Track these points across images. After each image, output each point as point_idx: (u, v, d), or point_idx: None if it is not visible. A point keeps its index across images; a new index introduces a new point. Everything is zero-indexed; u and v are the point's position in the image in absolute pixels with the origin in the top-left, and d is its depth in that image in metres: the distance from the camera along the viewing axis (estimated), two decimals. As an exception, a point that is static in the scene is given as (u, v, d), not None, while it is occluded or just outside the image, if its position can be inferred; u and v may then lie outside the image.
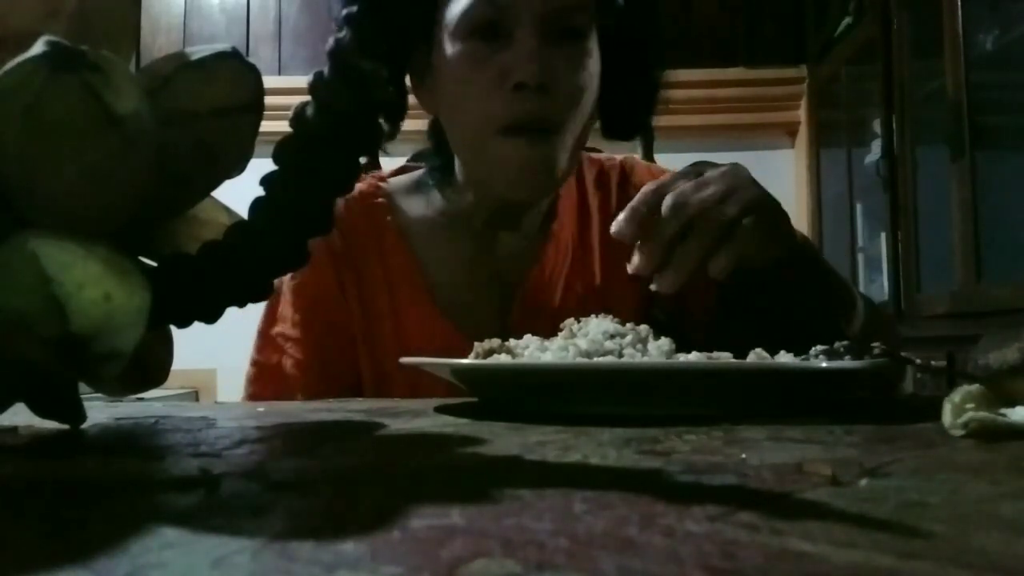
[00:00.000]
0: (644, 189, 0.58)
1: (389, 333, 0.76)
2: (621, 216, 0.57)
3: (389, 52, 0.71)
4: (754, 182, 0.61)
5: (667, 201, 0.56)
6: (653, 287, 0.57)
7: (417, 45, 0.73)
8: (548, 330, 0.53)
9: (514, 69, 0.66)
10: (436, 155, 0.82)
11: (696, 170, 0.60)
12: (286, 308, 0.77)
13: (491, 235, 0.79)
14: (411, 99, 0.78)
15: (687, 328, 0.77)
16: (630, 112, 0.79)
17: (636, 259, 0.57)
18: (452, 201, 0.80)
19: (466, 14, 0.68)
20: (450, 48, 0.70)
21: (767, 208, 0.60)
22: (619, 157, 0.88)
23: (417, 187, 0.83)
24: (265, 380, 0.77)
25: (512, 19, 0.67)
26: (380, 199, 0.81)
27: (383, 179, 0.84)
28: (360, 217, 0.79)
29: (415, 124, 0.90)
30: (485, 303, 0.78)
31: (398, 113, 0.77)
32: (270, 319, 0.78)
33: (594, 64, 0.71)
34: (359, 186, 0.81)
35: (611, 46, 0.73)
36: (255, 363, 0.78)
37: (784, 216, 0.63)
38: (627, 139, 0.81)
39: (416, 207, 0.81)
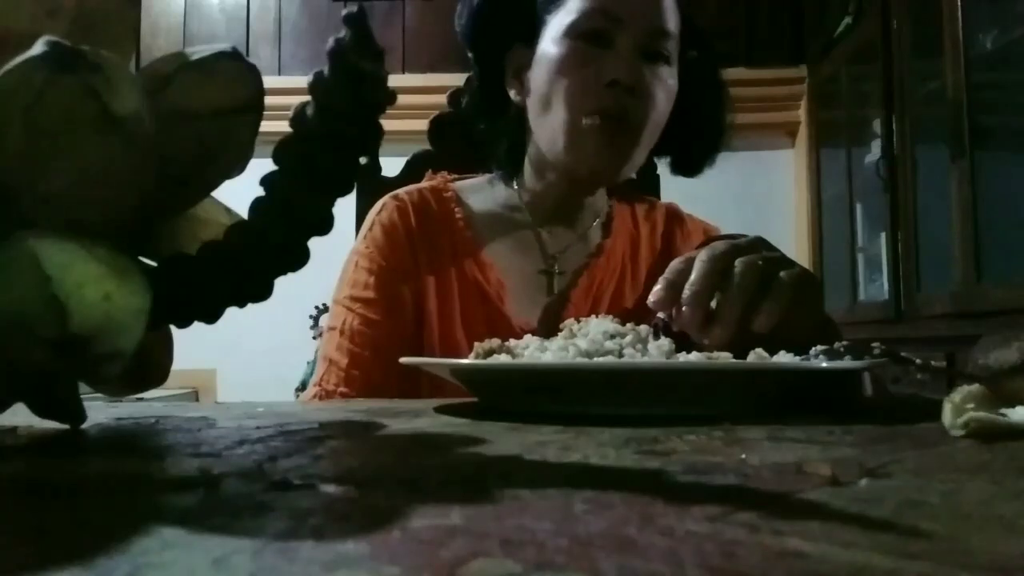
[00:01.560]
0: (672, 264, 0.61)
1: (451, 316, 0.83)
2: (657, 287, 0.60)
3: (490, 52, 0.88)
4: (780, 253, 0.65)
5: (700, 261, 0.59)
6: (705, 342, 0.59)
7: (518, 43, 0.86)
8: None
9: (611, 68, 0.78)
10: (508, 151, 0.91)
11: (721, 242, 0.63)
12: (359, 273, 0.84)
13: (547, 232, 0.88)
14: (413, 99, 0.82)
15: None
16: (699, 147, 0.91)
17: (680, 322, 0.59)
18: (519, 193, 0.90)
19: (579, 21, 0.80)
20: (557, 46, 0.81)
21: (796, 268, 0.62)
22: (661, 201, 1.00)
23: (480, 187, 0.93)
24: (338, 343, 0.81)
25: (617, 32, 0.79)
26: (449, 192, 0.90)
27: (449, 180, 0.93)
28: (433, 204, 0.88)
29: (416, 124, 0.91)
30: (534, 293, 0.85)
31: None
32: (342, 287, 0.85)
33: (673, 87, 0.83)
34: (429, 182, 0.91)
35: (685, 89, 0.85)
36: (329, 329, 0.84)
37: (815, 282, 0.65)
38: (692, 174, 0.93)
39: (480, 202, 0.90)
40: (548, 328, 0.80)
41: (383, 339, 0.81)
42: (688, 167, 0.93)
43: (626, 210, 0.94)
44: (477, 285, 0.84)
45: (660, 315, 0.61)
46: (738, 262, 0.58)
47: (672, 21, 0.82)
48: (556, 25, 0.82)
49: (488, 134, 0.92)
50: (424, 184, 0.91)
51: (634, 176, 1.16)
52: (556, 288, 0.86)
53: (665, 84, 0.81)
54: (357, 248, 0.86)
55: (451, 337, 0.82)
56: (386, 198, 0.88)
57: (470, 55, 0.90)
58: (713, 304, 0.58)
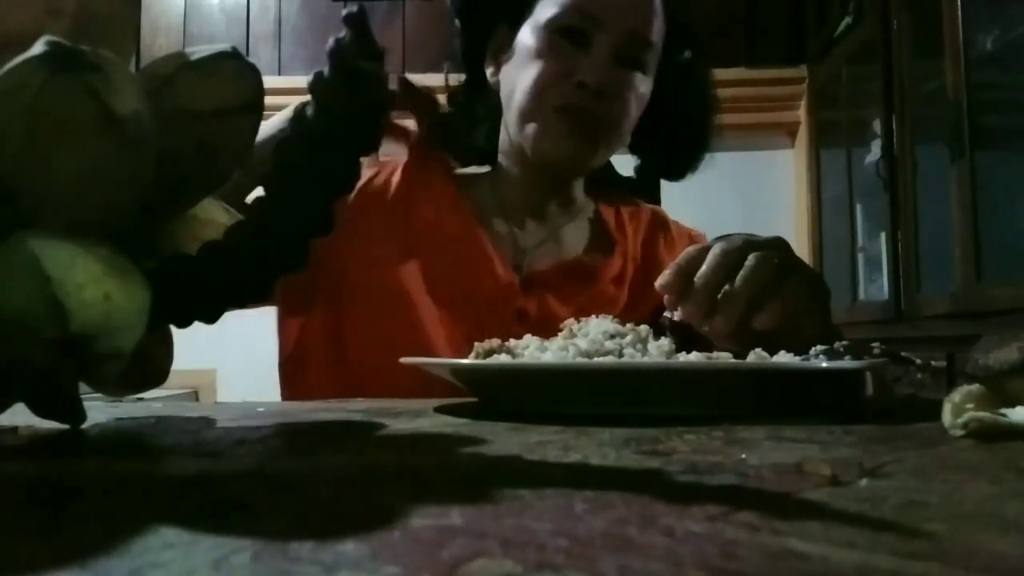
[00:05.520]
0: (687, 250, 0.61)
1: (396, 260, 0.82)
2: (666, 273, 0.60)
3: (476, 28, 0.88)
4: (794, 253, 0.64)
5: (713, 253, 0.59)
6: (705, 329, 0.59)
7: (503, 23, 0.86)
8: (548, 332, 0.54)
9: (582, 70, 0.78)
10: (485, 143, 0.92)
11: (739, 236, 0.63)
12: None
13: (524, 227, 0.88)
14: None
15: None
16: (683, 150, 0.92)
17: (684, 308, 0.59)
18: (495, 194, 0.89)
19: (559, 16, 0.81)
20: (535, 37, 0.82)
21: (809, 274, 0.62)
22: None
23: (469, 177, 0.93)
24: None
25: (595, 32, 0.79)
26: (440, 164, 0.91)
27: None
28: (428, 175, 0.88)
29: (415, 124, 0.91)
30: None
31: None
32: None
33: (645, 95, 0.84)
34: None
35: (667, 94, 0.86)
36: None
37: (826, 292, 0.65)
38: (676, 178, 0.94)
39: (464, 181, 0.92)
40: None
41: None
42: (671, 170, 0.94)
43: (611, 213, 0.93)
44: (442, 228, 0.84)
45: (665, 314, 0.61)
46: (751, 256, 0.58)
47: (655, 29, 0.82)
48: (539, 15, 0.82)
49: (465, 115, 0.93)
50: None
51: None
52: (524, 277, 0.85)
53: (636, 91, 0.82)
54: None
55: (392, 278, 0.81)
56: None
57: (457, 25, 0.91)
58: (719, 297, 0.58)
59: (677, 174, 0.94)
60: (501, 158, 0.90)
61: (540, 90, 0.80)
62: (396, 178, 0.87)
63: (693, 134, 0.91)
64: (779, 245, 0.62)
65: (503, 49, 0.86)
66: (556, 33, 0.80)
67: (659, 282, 0.60)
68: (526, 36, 0.83)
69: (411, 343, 0.76)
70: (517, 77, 0.82)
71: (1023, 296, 1.53)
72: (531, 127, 0.81)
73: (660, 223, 0.95)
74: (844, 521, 0.20)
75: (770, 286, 0.58)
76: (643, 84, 0.83)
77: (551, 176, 0.87)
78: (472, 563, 0.17)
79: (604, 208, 0.94)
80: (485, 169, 0.94)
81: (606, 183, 0.96)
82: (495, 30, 0.88)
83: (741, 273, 0.57)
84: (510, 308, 0.82)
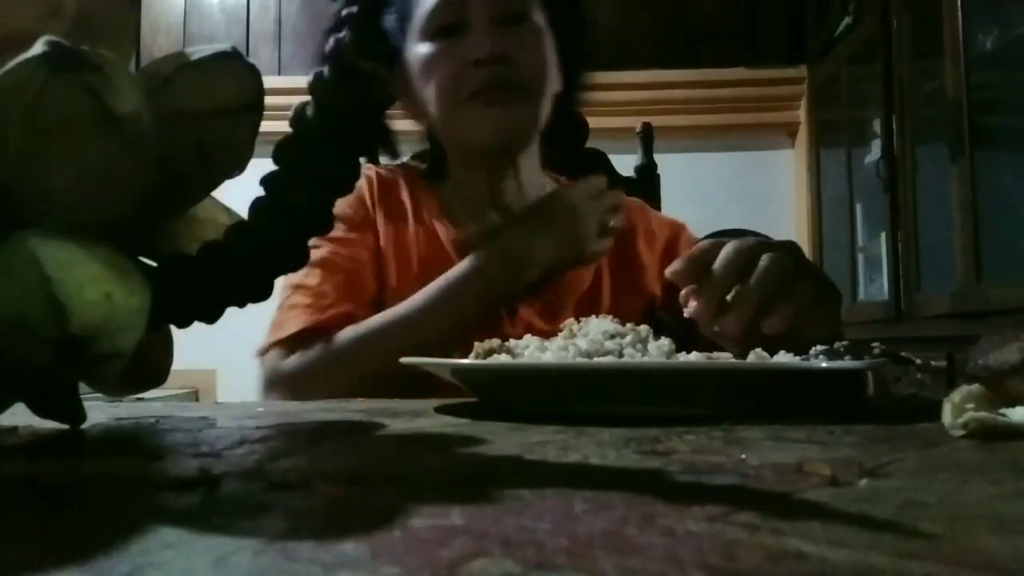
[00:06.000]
0: (700, 243, 0.61)
1: (414, 270, 0.84)
2: (678, 262, 0.60)
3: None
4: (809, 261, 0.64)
5: (727, 250, 0.59)
6: (715, 328, 0.59)
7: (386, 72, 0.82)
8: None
9: (472, 49, 0.78)
10: (434, 160, 0.92)
11: (752, 237, 0.63)
12: None
13: (488, 223, 0.87)
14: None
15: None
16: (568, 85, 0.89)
17: (694, 304, 0.59)
18: (452, 199, 0.89)
19: (429, 17, 0.81)
20: (419, 51, 0.83)
21: (822, 280, 0.62)
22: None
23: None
24: (303, 272, 0.81)
25: (467, 15, 0.79)
26: (413, 171, 0.92)
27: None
28: (401, 180, 0.90)
29: (415, 124, 0.91)
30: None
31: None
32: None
33: (543, 40, 0.83)
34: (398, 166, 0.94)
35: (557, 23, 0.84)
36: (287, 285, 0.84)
37: (837, 298, 0.65)
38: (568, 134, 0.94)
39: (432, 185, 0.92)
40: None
41: (353, 265, 0.82)
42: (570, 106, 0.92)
43: None
44: (438, 239, 0.84)
45: (682, 310, 0.60)
46: (765, 257, 0.58)
47: None
48: (413, 32, 0.83)
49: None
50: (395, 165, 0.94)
51: (634, 176, 1.17)
52: None
53: (532, 41, 0.81)
54: None
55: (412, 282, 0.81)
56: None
57: None
58: (729, 297, 0.58)
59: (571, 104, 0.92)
60: (452, 167, 0.90)
61: (447, 91, 0.80)
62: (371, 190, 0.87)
63: (576, 58, 0.89)
64: (793, 250, 0.61)
65: (398, 75, 0.86)
66: (435, 37, 0.81)
67: (670, 270, 0.59)
68: (412, 54, 0.83)
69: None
70: (423, 91, 0.83)
71: (1023, 296, 1.53)
72: (458, 126, 0.82)
73: (638, 211, 0.94)
74: (844, 521, 0.20)
75: (782, 289, 0.57)
76: (535, 31, 0.82)
77: (496, 159, 0.86)
78: (472, 563, 0.17)
79: None
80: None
81: (583, 168, 0.95)
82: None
83: (756, 273, 0.57)
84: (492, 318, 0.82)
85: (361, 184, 0.86)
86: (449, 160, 0.89)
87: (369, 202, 0.87)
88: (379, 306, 0.82)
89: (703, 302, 0.58)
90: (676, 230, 0.94)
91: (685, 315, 0.60)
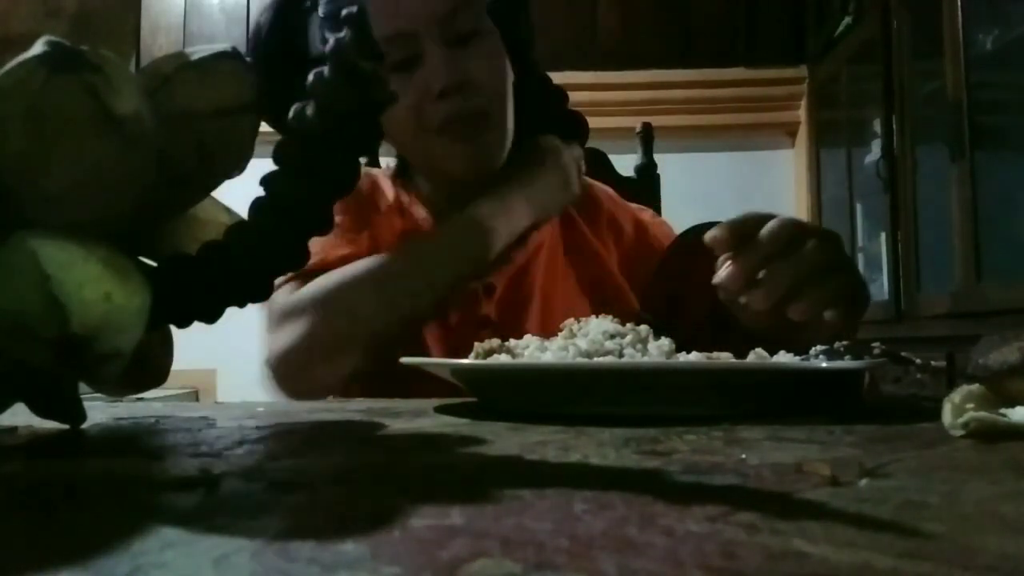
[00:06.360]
0: (745, 214, 0.59)
1: None
2: (719, 228, 0.58)
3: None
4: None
5: (772, 224, 0.57)
6: (743, 300, 0.58)
7: None
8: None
9: (432, 81, 0.75)
10: (405, 173, 0.91)
11: (800, 221, 0.61)
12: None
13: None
14: None
15: (680, 328, 0.79)
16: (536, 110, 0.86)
17: (725, 271, 0.57)
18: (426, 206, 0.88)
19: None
20: None
21: (857, 279, 0.60)
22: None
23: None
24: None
25: (418, 45, 0.76)
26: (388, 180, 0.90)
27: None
28: (373, 185, 0.88)
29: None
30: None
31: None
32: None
33: (498, 50, 0.80)
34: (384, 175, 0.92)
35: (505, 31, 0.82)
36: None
37: (865, 298, 0.63)
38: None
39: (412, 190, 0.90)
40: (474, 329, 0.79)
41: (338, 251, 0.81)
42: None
43: None
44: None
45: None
46: (810, 241, 0.57)
47: None
48: None
49: None
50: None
51: (634, 176, 1.17)
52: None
53: (488, 56, 0.79)
54: None
55: None
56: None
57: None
58: (762, 274, 0.56)
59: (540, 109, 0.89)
60: (423, 183, 0.89)
61: (412, 125, 0.78)
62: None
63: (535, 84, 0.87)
64: (832, 239, 0.60)
65: None
66: (392, 72, 0.77)
67: (709, 235, 0.57)
68: None
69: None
70: (391, 130, 0.79)
71: (1023, 296, 1.53)
72: (429, 159, 0.81)
73: (608, 199, 0.93)
74: (844, 521, 0.20)
75: (818, 277, 0.56)
76: (488, 43, 0.79)
77: (470, 186, 0.83)
78: (472, 563, 0.17)
79: None
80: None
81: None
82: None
83: (797, 254, 0.56)
84: (474, 317, 0.81)
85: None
86: (415, 171, 0.89)
87: (363, 204, 0.86)
88: None
89: (737, 268, 0.56)
90: (643, 223, 0.93)
91: (714, 281, 0.58)
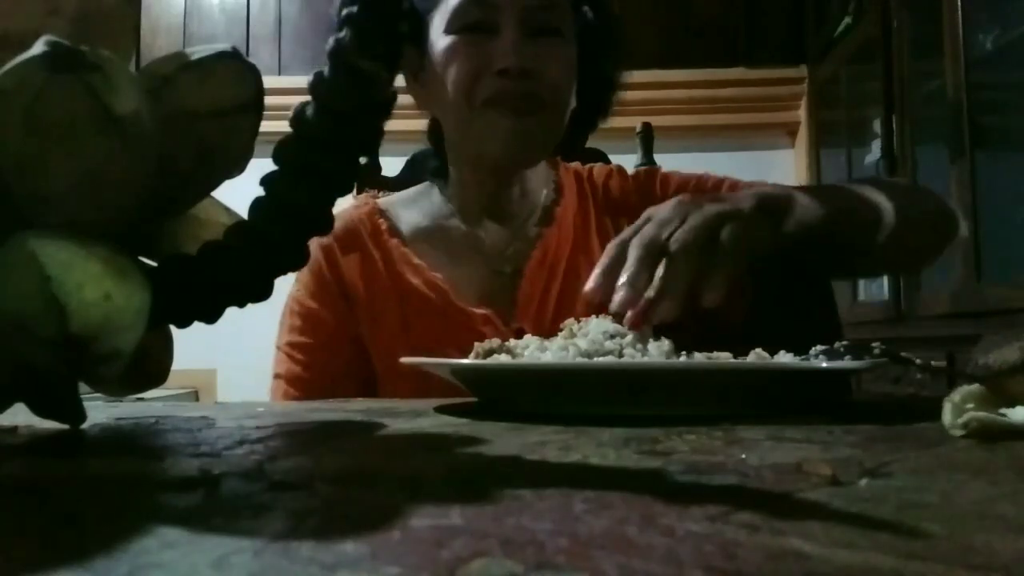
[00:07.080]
0: (608, 247, 0.59)
1: (399, 332, 0.80)
2: (591, 279, 0.58)
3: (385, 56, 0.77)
4: (715, 199, 0.63)
5: (633, 244, 0.57)
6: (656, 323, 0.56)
7: (407, 46, 0.81)
8: (552, 311, 0.53)
9: (498, 57, 0.76)
10: (435, 156, 0.89)
11: (646, 216, 0.61)
12: (294, 319, 0.83)
13: (485, 230, 0.85)
14: (407, 99, 0.84)
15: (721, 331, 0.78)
16: (586, 110, 0.87)
17: (616, 299, 0.56)
18: (451, 197, 0.87)
19: (456, 13, 0.78)
20: (442, 43, 0.79)
21: (733, 215, 0.60)
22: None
23: (412, 199, 0.90)
24: (283, 390, 0.82)
25: (497, 17, 0.77)
26: (377, 212, 0.87)
27: (376, 197, 0.91)
28: (362, 227, 0.85)
29: (415, 124, 0.91)
30: (484, 288, 0.82)
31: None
32: (282, 333, 0.84)
33: (571, 57, 0.81)
34: (355, 205, 0.90)
35: (586, 49, 0.83)
36: (275, 376, 0.83)
37: (768, 220, 0.63)
38: (573, 146, 0.91)
39: (412, 216, 0.87)
40: (509, 306, 0.79)
41: (324, 379, 0.80)
42: (587, 120, 0.90)
43: (571, 173, 0.91)
44: (418, 291, 0.81)
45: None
46: (673, 241, 0.56)
47: None
48: (438, 23, 0.80)
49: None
50: (350, 208, 0.89)
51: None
52: (508, 283, 0.82)
53: (560, 58, 0.79)
54: (291, 293, 0.84)
55: (401, 347, 0.75)
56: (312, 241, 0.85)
57: None
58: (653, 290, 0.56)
59: (592, 124, 0.91)
60: (453, 173, 0.87)
61: (465, 92, 0.77)
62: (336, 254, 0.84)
63: (601, 88, 0.88)
64: (684, 201, 0.60)
65: (417, 70, 0.84)
66: (461, 33, 0.78)
67: (587, 288, 0.57)
68: (434, 46, 0.81)
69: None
70: (440, 89, 0.80)
71: (1023, 296, 1.53)
72: (471, 130, 0.79)
73: (630, 176, 0.92)
74: (844, 521, 0.20)
75: (707, 254, 0.56)
76: (564, 47, 0.80)
77: (504, 175, 0.84)
78: (472, 563, 0.17)
79: (564, 168, 0.91)
80: (421, 186, 0.91)
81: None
82: (401, 56, 0.85)
83: (669, 254, 0.56)
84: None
85: (320, 262, 0.82)
86: (450, 159, 0.87)
87: (336, 284, 0.83)
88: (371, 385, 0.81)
89: (623, 301, 0.55)
90: (670, 183, 0.93)
91: (611, 311, 0.56)
